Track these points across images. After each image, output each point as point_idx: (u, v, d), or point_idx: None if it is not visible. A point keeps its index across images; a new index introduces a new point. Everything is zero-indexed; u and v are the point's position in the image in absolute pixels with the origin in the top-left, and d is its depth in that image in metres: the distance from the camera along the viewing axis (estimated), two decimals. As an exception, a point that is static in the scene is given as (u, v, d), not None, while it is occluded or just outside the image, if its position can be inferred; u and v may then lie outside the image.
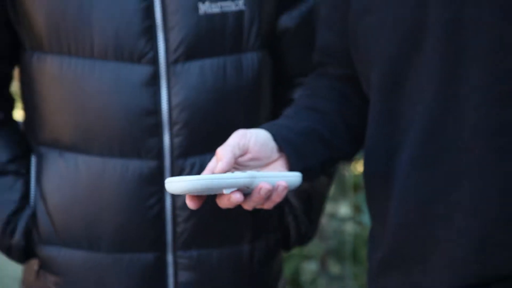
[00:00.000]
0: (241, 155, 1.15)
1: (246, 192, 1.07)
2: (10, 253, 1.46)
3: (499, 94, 1.15)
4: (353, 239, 2.46)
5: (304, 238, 1.58)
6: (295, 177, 1.15)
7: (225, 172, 1.10)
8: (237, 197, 1.06)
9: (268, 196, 1.09)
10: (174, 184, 1.05)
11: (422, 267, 1.21)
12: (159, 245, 1.39)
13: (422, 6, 1.19)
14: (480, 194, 1.17)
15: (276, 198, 1.10)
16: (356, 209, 2.50)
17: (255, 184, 1.07)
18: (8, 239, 1.43)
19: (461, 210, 1.17)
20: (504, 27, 1.16)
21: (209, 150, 1.32)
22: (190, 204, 1.10)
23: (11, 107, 1.55)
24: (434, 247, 1.20)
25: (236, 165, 1.15)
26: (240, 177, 1.07)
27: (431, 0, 1.20)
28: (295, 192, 1.47)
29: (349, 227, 2.51)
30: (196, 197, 1.07)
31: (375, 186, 1.31)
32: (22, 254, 1.46)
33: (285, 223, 1.53)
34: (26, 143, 1.51)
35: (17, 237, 1.43)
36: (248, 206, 1.10)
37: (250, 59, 1.43)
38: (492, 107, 1.16)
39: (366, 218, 2.36)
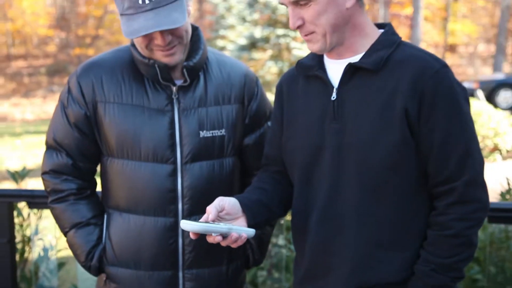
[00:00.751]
0: (220, 211, 1.60)
1: (224, 236, 1.56)
2: (90, 270, 1.96)
3: (364, 186, 1.59)
4: (286, 258, 2.88)
5: (258, 262, 2.08)
6: (251, 232, 1.62)
7: (213, 221, 1.55)
8: (219, 238, 1.54)
9: (236, 240, 1.57)
10: (186, 225, 1.52)
11: (325, 280, 1.67)
12: (175, 266, 1.88)
13: (321, 136, 1.64)
14: (354, 239, 1.61)
15: (239, 242, 1.58)
16: (288, 241, 2.96)
17: (230, 233, 1.56)
18: (89, 262, 1.94)
19: (344, 248, 1.62)
20: (364, 150, 1.58)
21: (204, 213, 1.70)
22: (192, 235, 1.55)
23: (95, 186, 2.02)
24: (331, 269, 1.65)
25: (218, 217, 1.59)
26: (223, 228, 1.54)
27: (326, 132, 1.63)
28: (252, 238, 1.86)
29: (284, 251, 2.95)
30: (196, 233, 1.54)
31: (297, 232, 1.78)
32: (97, 271, 1.95)
33: (247, 253, 2.04)
34: (102, 206, 1.99)
35: (94, 261, 1.93)
36: (224, 244, 1.57)
37: (228, 161, 1.94)
38: (360, 191, 1.59)
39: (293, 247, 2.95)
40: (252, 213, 1.69)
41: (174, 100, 1.88)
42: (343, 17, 1.59)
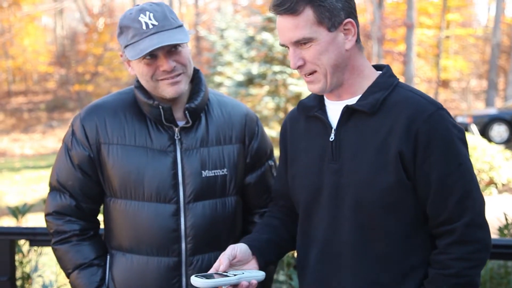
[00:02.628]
0: (232, 259, 1.63)
1: (234, 286, 1.58)
2: None
3: (360, 226, 1.60)
4: None
5: None
6: (261, 276, 1.64)
7: (224, 271, 1.58)
8: None
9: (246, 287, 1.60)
10: (196, 282, 1.53)
11: None
12: None
13: (321, 176, 1.67)
14: (351, 278, 1.62)
15: None
16: (289, 277, 2.95)
17: (240, 282, 1.58)
18: None
19: (340, 285, 1.63)
20: (360, 190, 1.60)
21: (207, 251, 1.83)
22: None
23: (98, 226, 2.01)
24: None
25: (230, 264, 1.63)
26: (232, 279, 1.56)
27: (325, 172, 1.66)
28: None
29: (284, 287, 2.96)
30: None
31: (300, 267, 1.79)
32: None
33: None
34: (105, 246, 1.98)
35: None
36: None
37: (231, 200, 1.95)
38: (356, 230, 1.61)
39: (294, 283, 2.86)
40: (262, 255, 1.72)
41: (177, 141, 1.89)
42: (343, 58, 1.61)
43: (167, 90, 1.83)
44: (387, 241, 1.60)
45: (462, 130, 1.60)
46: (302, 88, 10.13)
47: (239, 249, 1.67)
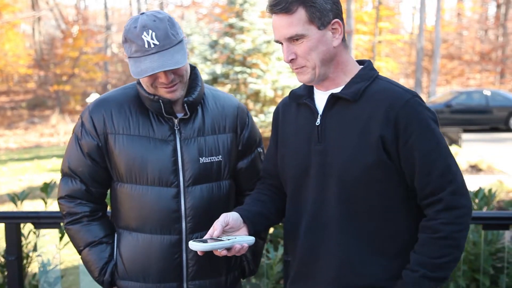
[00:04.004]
0: (225, 226, 1.65)
1: (228, 248, 1.58)
2: (103, 284, 1.91)
3: (344, 200, 1.60)
4: (266, 266, 2.87)
5: (253, 272, 2.07)
6: (251, 240, 1.64)
7: (218, 236, 1.59)
8: (224, 252, 1.58)
9: (239, 250, 1.60)
10: (194, 246, 1.55)
11: (313, 280, 1.70)
12: (179, 278, 1.85)
13: (308, 156, 1.67)
14: (337, 247, 1.61)
15: (243, 251, 1.61)
16: (266, 250, 2.92)
17: (233, 245, 1.58)
18: (102, 277, 1.88)
19: (328, 254, 1.63)
20: (343, 168, 1.58)
21: (205, 230, 1.74)
22: (200, 253, 1.58)
23: (106, 208, 1.97)
24: (318, 271, 1.66)
25: (223, 231, 1.62)
26: (226, 243, 1.56)
27: (312, 153, 1.63)
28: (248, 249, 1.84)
29: (263, 259, 2.87)
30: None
31: (288, 237, 1.79)
32: (109, 285, 1.90)
33: (243, 264, 2.03)
34: (112, 226, 1.94)
35: (107, 276, 1.88)
36: (230, 255, 1.60)
37: (225, 184, 1.92)
38: (341, 204, 1.60)
39: (271, 255, 2.86)
40: (252, 224, 1.71)
41: (176, 131, 1.86)
42: (330, 54, 1.61)
43: (165, 95, 1.81)
44: (369, 214, 1.59)
45: (434, 113, 1.61)
46: (261, 86, 10.13)
47: (231, 216, 1.65)
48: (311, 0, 1.56)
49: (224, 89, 11.02)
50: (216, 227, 1.60)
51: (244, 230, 1.68)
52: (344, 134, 1.60)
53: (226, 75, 10.63)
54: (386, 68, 27.85)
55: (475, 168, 10.59)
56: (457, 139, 13.03)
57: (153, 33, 1.72)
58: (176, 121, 1.86)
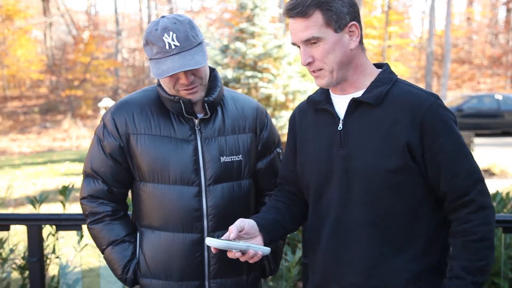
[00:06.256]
0: (241, 231, 1.64)
1: (243, 252, 1.59)
2: (126, 282, 1.93)
3: (369, 205, 1.58)
4: (284, 268, 2.86)
5: (273, 271, 2.08)
6: (267, 250, 1.64)
7: (233, 239, 1.58)
8: (238, 254, 1.58)
9: (252, 257, 1.60)
10: (210, 242, 1.56)
11: (338, 285, 1.65)
12: (201, 277, 1.87)
13: (330, 161, 1.65)
14: (363, 251, 1.60)
15: (256, 259, 1.61)
16: (284, 253, 2.85)
17: (248, 250, 1.58)
18: (125, 275, 1.91)
19: (353, 259, 1.62)
20: (368, 173, 1.58)
21: (226, 228, 1.71)
22: (213, 250, 1.59)
23: (127, 208, 2.00)
24: (343, 276, 1.64)
25: (238, 236, 1.61)
26: (242, 245, 1.57)
27: (334, 158, 1.65)
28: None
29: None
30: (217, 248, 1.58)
31: (309, 243, 1.78)
32: (131, 283, 1.92)
33: (263, 264, 2.04)
34: (133, 225, 1.97)
35: (130, 274, 1.90)
36: (242, 259, 1.60)
37: (245, 183, 1.93)
38: (366, 209, 1.59)
39: (289, 257, 2.83)
40: (267, 232, 1.70)
41: (197, 131, 1.87)
42: (347, 57, 1.61)
43: (186, 97, 1.84)
44: (393, 217, 1.58)
45: (454, 114, 1.62)
46: (271, 90, 10.13)
47: (247, 222, 1.66)
48: (327, 3, 1.57)
49: (235, 93, 10.92)
50: (231, 230, 1.61)
51: (259, 238, 1.68)
52: (368, 138, 1.58)
53: (237, 80, 10.65)
54: (395, 72, 27.65)
55: (487, 173, 10.52)
56: (469, 143, 12.96)
57: (174, 35, 1.74)
58: (196, 121, 1.88)
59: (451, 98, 23.03)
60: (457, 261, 1.55)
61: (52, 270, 3.48)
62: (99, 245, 1.94)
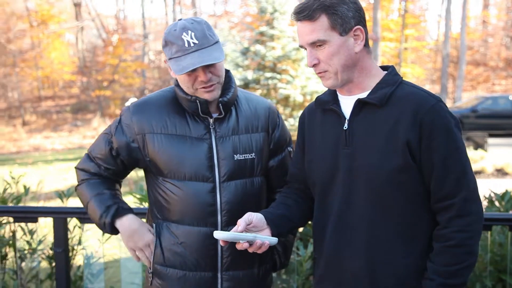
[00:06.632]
0: (249, 224, 1.67)
1: (250, 243, 1.60)
2: (104, 227, 1.94)
3: (371, 202, 1.58)
4: (295, 262, 2.85)
5: (284, 265, 2.09)
6: (274, 240, 1.65)
7: (241, 232, 1.61)
8: (246, 245, 1.61)
9: (260, 247, 1.62)
10: (218, 235, 1.59)
11: (340, 280, 1.68)
12: (214, 268, 1.87)
13: (336, 159, 1.66)
14: (364, 247, 1.60)
15: (263, 248, 1.62)
16: (296, 247, 2.90)
17: (255, 241, 1.60)
18: (103, 219, 1.91)
19: (355, 254, 1.62)
20: (372, 171, 1.55)
21: None
22: (222, 242, 1.60)
23: (120, 185, 2.07)
24: (345, 271, 1.66)
25: (247, 229, 1.64)
26: (248, 236, 1.58)
27: (340, 156, 1.65)
28: (279, 242, 1.97)
29: (293, 256, 2.89)
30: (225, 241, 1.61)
31: (316, 238, 1.77)
32: (110, 227, 1.92)
33: (274, 258, 2.04)
34: (118, 188, 2.03)
35: (108, 218, 1.90)
36: (250, 250, 1.61)
37: (258, 180, 1.93)
38: (367, 206, 1.59)
39: (301, 252, 2.81)
40: (275, 225, 1.70)
41: (211, 130, 1.88)
42: (352, 59, 1.60)
43: (203, 95, 1.85)
44: (395, 215, 1.57)
45: (456, 118, 1.59)
46: (290, 91, 10.12)
47: (255, 216, 1.66)
48: (333, 7, 1.56)
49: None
50: (239, 223, 1.62)
51: (267, 231, 1.68)
52: (372, 138, 1.58)
53: (257, 81, 10.66)
54: (412, 74, 27.43)
55: (501, 172, 10.33)
56: (483, 144, 12.74)
57: (192, 33, 1.76)
58: (211, 120, 1.88)
59: (466, 99, 22.67)
60: (431, 263, 1.56)
61: (79, 260, 3.53)
62: (84, 203, 1.99)
